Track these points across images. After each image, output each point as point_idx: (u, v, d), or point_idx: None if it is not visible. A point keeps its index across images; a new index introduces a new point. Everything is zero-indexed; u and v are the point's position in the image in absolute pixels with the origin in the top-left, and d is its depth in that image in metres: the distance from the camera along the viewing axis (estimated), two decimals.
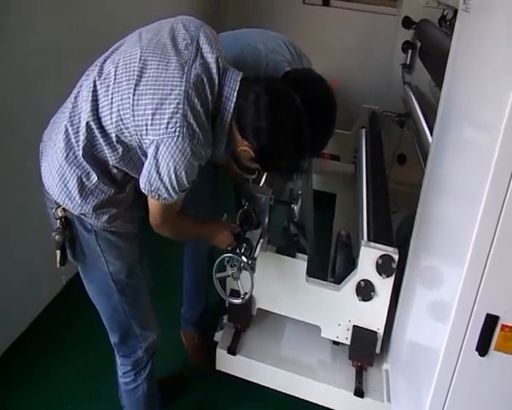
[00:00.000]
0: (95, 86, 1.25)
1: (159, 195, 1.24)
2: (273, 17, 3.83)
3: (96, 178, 1.27)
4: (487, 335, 1.08)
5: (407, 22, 3.01)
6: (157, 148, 1.18)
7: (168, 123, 1.17)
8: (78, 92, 1.29)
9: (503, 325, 1.07)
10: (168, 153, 1.18)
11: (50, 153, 1.31)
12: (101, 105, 1.24)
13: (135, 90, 1.20)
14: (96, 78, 1.26)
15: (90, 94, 1.24)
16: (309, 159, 1.46)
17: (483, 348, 1.10)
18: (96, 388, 2.04)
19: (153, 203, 1.29)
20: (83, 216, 1.31)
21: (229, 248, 1.52)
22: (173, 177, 1.20)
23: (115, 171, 1.30)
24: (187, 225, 1.47)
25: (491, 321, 1.07)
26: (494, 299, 1.06)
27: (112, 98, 1.22)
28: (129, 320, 1.48)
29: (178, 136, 1.17)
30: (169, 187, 1.22)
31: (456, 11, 1.69)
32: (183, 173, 1.20)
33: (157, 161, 1.19)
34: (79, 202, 1.28)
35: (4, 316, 2.08)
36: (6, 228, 2.04)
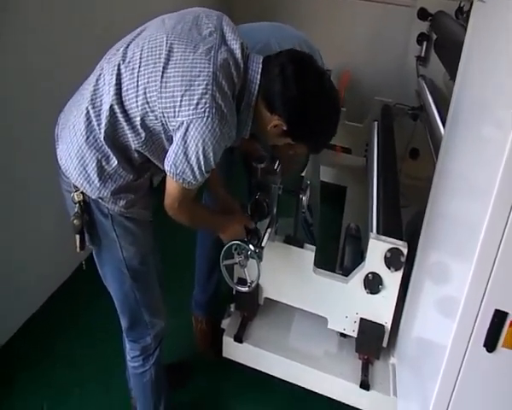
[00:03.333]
0: (119, 70, 1.25)
1: (183, 178, 1.25)
2: (286, 8, 3.80)
3: (116, 162, 1.28)
4: (495, 331, 1.07)
5: (423, 14, 2.97)
6: (186, 129, 1.19)
7: (197, 104, 1.18)
8: (100, 75, 1.28)
9: (511, 322, 1.06)
10: (198, 133, 1.19)
11: (69, 135, 1.30)
12: (125, 88, 1.24)
13: (163, 72, 1.20)
14: (121, 61, 1.25)
15: (114, 77, 1.24)
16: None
17: (491, 344, 1.09)
18: (104, 376, 2.05)
19: (173, 186, 1.29)
20: (100, 200, 1.32)
21: None
22: (201, 157, 1.21)
23: (136, 156, 1.31)
24: (203, 212, 1.52)
25: (499, 317, 1.06)
26: (503, 295, 1.05)
27: (138, 81, 1.22)
28: (139, 307, 1.49)
29: (208, 116, 1.18)
30: (195, 168, 1.23)
31: (472, 2, 1.66)
32: (211, 154, 1.22)
33: (185, 142, 1.20)
34: (98, 185, 1.29)
35: (8, 303, 2.09)
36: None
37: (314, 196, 2.50)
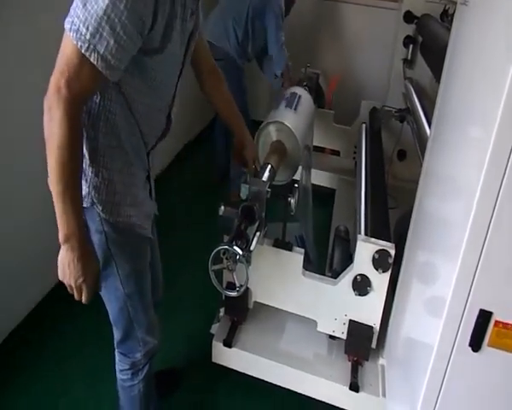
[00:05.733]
0: None
1: (78, 32, 0.98)
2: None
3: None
4: (480, 331, 1.08)
5: (408, 17, 2.98)
6: None
7: None
8: None
9: (496, 321, 1.07)
10: None
11: None
12: None
13: None
14: None
15: None
16: None
17: (476, 343, 1.10)
18: (91, 383, 2.04)
19: (66, 48, 1.01)
20: (95, 207, 1.22)
21: (226, 240, 1.52)
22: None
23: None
24: (77, 158, 1.08)
25: (484, 317, 1.07)
26: (487, 295, 1.06)
27: None
28: (133, 323, 1.46)
29: None
30: (94, 16, 0.97)
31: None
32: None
33: None
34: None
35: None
36: None
37: (306, 199, 2.53)
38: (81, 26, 0.98)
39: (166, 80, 1.25)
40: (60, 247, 1.14)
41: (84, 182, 1.19)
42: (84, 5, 0.98)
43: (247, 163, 1.73)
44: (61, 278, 1.18)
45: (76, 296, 1.21)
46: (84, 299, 1.20)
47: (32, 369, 2.07)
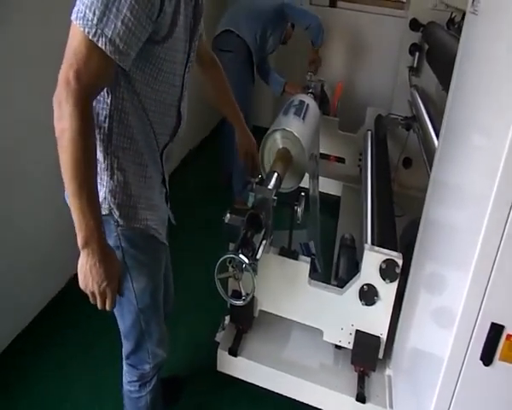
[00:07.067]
0: None
1: (85, 19, 0.96)
2: None
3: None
4: (492, 344, 1.07)
5: (415, 24, 2.99)
6: None
7: None
8: None
9: (508, 335, 1.05)
10: None
11: None
12: None
13: None
14: None
15: None
16: None
17: (488, 357, 1.08)
18: (95, 388, 2.02)
19: (73, 38, 0.99)
20: (112, 215, 1.20)
21: (232, 249, 1.51)
22: None
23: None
24: (91, 154, 1.05)
25: (496, 330, 1.05)
26: (499, 308, 1.05)
27: None
28: (144, 336, 1.44)
29: None
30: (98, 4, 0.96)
31: (464, 14, 1.68)
32: None
33: None
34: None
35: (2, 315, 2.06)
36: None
37: (314, 208, 2.52)
38: (87, 11, 0.96)
39: (174, 70, 1.21)
40: (78, 254, 1.10)
41: (100, 187, 1.17)
42: None
43: (252, 155, 1.79)
44: (82, 286, 1.13)
45: (100, 304, 1.16)
46: (108, 305, 1.16)
47: (34, 373, 2.06)
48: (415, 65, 3.07)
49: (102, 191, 1.18)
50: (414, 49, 3.06)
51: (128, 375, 1.54)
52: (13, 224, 2.03)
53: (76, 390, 2.02)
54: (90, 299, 1.16)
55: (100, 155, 1.15)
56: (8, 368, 2.06)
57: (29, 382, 2.03)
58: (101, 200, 1.16)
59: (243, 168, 1.90)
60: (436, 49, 2.53)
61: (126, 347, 1.48)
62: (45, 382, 2.04)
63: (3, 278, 2.03)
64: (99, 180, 1.15)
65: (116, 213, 1.21)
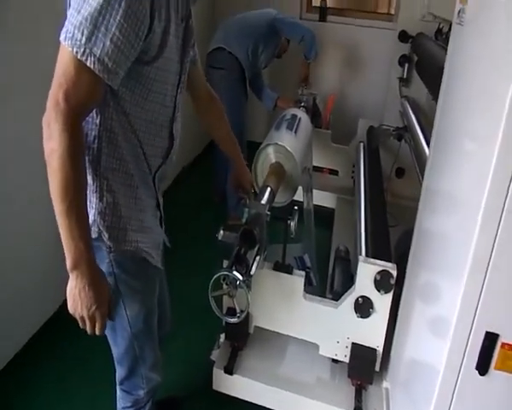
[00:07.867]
0: None
1: (73, 39, 0.96)
2: None
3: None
4: (487, 353, 1.06)
5: (403, 36, 3.02)
6: None
7: None
8: None
9: (503, 343, 1.04)
10: None
11: None
12: None
13: None
14: None
15: None
16: None
17: (483, 367, 1.07)
18: (95, 402, 2.01)
19: (62, 59, 0.98)
20: (102, 238, 1.18)
21: (226, 266, 1.49)
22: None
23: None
24: (81, 177, 1.04)
25: (490, 339, 1.04)
26: (493, 316, 1.04)
27: None
28: (138, 362, 1.41)
29: None
30: (89, 18, 0.95)
31: (451, 25, 1.69)
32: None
33: None
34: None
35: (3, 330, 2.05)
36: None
37: (309, 222, 2.52)
38: (76, 31, 0.95)
39: (165, 90, 1.20)
40: (67, 279, 1.08)
41: (89, 209, 1.15)
42: (79, 12, 0.96)
43: (244, 188, 1.74)
44: (71, 311, 1.11)
45: (89, 329, 1.13)
46: (97, 329, 1.14)
47: (35, 387, 2.06)
48: (405, 76, 3.10)
49: (91, 213, 1.16)
50: (403, 60, 3.08)
51: (122, 401, 1.51)
52: (12, 243, 2.04)
53: (75, 403, 2.01)
54: (80, 324, 1.14)
55: (89, 177, 1.13)
56: (9, 382, 2.05)
57: (29, 395, 2.03)
58: (90, 222, 1.13)
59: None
60: (425, 60, 2.55)
61: (120, 372, 1.46)
62: (45, 395, 2.04)
63: (4, 295, 2.03)
64: (88, 202, 1.13)
65: (105, 236, 1.18)
